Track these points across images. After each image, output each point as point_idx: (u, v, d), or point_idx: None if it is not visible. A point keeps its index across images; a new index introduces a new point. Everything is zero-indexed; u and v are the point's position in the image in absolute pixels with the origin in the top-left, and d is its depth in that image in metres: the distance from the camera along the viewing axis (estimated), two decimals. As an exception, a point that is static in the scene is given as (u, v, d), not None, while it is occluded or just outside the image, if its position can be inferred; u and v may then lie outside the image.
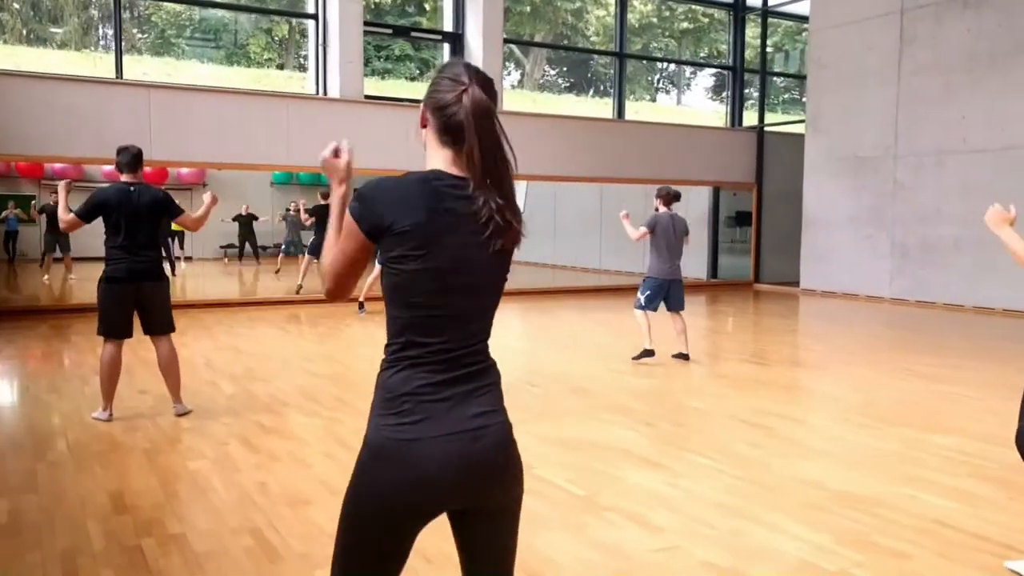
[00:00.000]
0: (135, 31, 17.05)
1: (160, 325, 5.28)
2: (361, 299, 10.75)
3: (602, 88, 21.66)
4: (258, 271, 18.13)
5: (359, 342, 8.82)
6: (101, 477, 4.17)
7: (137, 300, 5.13)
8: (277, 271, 16.06)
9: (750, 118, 16.18)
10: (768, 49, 16.21)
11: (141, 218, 5.09)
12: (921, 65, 12.16)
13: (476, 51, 12.85)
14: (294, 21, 16.32)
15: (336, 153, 1.82)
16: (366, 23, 12.08)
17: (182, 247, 18.10)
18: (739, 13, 15.87)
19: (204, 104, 10.94)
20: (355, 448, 4.63)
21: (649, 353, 7.20)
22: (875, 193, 12.82)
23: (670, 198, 7.36)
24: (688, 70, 21.91)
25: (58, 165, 16.57)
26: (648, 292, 7.24)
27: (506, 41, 13.17)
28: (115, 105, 10.41)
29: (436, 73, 1.73)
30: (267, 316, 10.31)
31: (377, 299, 11.18)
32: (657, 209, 7.35)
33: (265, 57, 19.48)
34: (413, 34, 13.55)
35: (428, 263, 1.58)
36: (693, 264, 15.86)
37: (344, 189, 1.79)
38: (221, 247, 20.61)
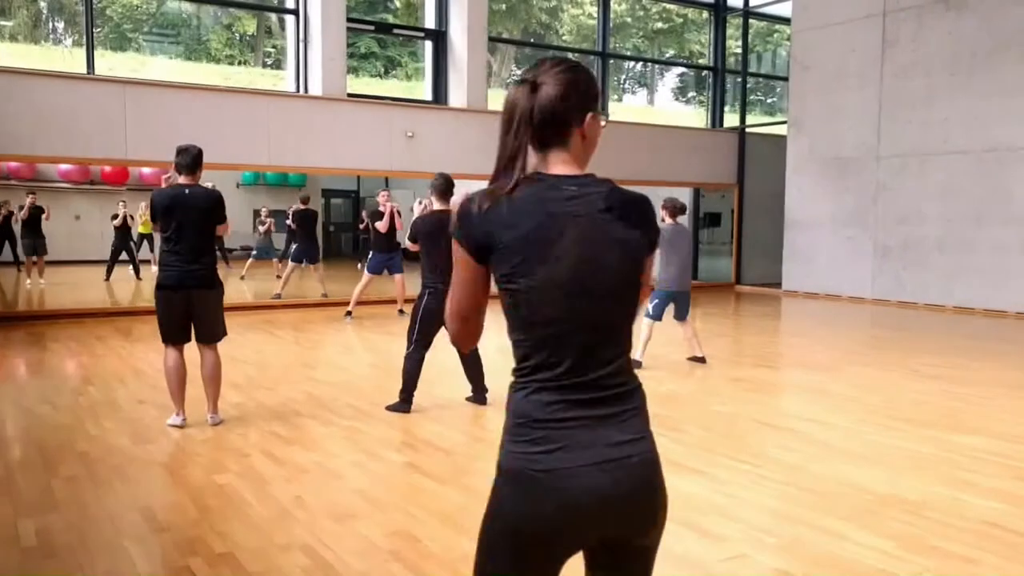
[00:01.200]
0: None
1: (208, 335, 5.08)
2: (350, 307, 10.52)
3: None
4: (227, 275, 17.71)
5: (356, 348, 8.61)
6: (124, 493, 3.95)
7: (188, 307, 4.95)
8: (242, 276, 15.64)
9: (728, 119, 16.29)
10: (738, 50, 16.30)
11: (195, 222, 4.92)
12: (903, 67, 12.32)
13: (460, 49, 12.70)
14: (262, 17, 15.96)
15: None
16: (348, 19, 11.83)
17: (152, 249, 17.55)
18: (720, 14, 15.95)
19: (181, 101, 10.60)
20: (383, 457, 4.51)
21: (637, 364, 7.11)
22: (857, 194, 12.97)
23: (676, 211, 7.33)
24: (657, 70, 22.03)
25: (13, 164, 16.00)
26: (656, 302, 7.23)
27: (491, 40, 13.02)
28: (86, 102, 10.01)
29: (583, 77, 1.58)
30: (246, 321, 10.03)
31: (365, 304, 10.96)
32: (663, 220, 7.32)
33: (226, 54, 19.08)
34: (396, 31, 13.33)
35: (541, 278, 1.44)
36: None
37: None
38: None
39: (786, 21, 15.36)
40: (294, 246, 12.25)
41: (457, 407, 5.70)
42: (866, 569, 3.16)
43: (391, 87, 18.51)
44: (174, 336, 5.00)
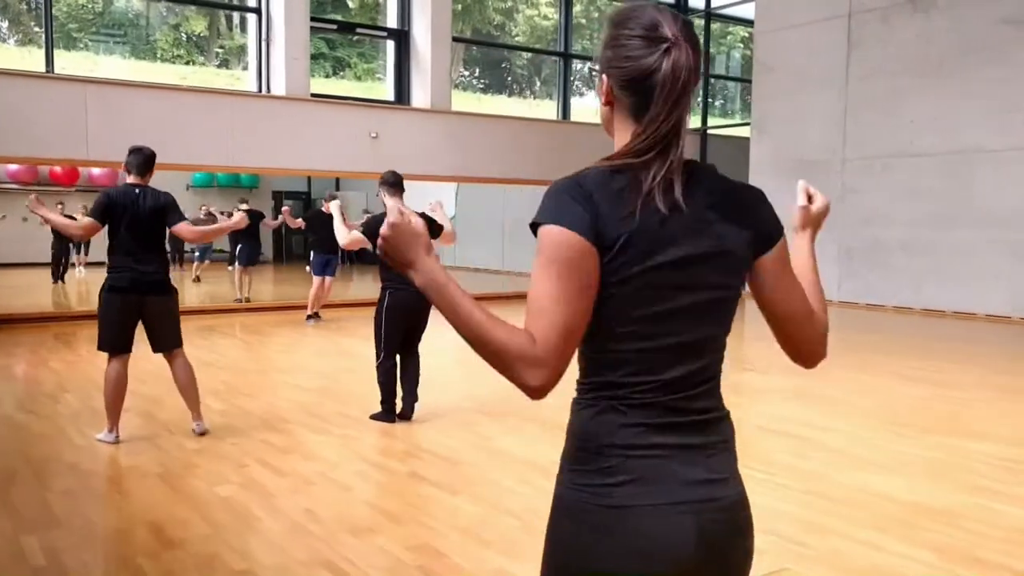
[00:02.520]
0: (32, 24, 15.92)
1: (167, 341, 4.88)
2: (310, 311, 10.32)
3: (517, 89, 21.71)
4: (181, 277, 17.26)
5: (328, 352, 8.46)
6: (126, 507, 3.81)
7: (141, 314, 4.73)
8: (196, 279, 15.29)
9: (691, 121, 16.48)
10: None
11: (146, 224, 4.71)
12: (868, 69, 12.40)
13: (423, 50, 12.60)
14: (214, 16, 15.57)
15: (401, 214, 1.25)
16: (312, 18, 11.63)
17: (86, 252, 16.93)
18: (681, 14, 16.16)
19: (143, 101, 10.28)
20: (386, 467, 4.45)
21: None
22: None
23: None
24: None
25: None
26: None
27: (455, 40, 12.96)
28: (46, 101, 9.62)
29: (614, 27, 1.26)
30: (205, 325, 9.78)
31: (329, 307, 10.79)
32: None
33: (174, 54, 18.57)
34: (359, 31, 13.15)
35: (637, 284, 1.21)
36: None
37: (432, 262, 1.24)
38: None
39: (748, 23, 15.61)
40: (239, 248, 11.86)
41: (446, 413, 5.64)
42: (913, 582, 3.15)
43: (345, 87, 18.28)
44: (118, 343, 4.70)
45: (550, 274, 1.18)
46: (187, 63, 18.40)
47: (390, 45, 12.88)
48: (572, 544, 1.25)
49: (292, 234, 23.11)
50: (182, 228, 4.94)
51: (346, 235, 5.41)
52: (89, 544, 3.37)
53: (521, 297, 13.78)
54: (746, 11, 15.66)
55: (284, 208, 10.89)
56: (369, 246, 5.26)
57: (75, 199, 16.03)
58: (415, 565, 3.21)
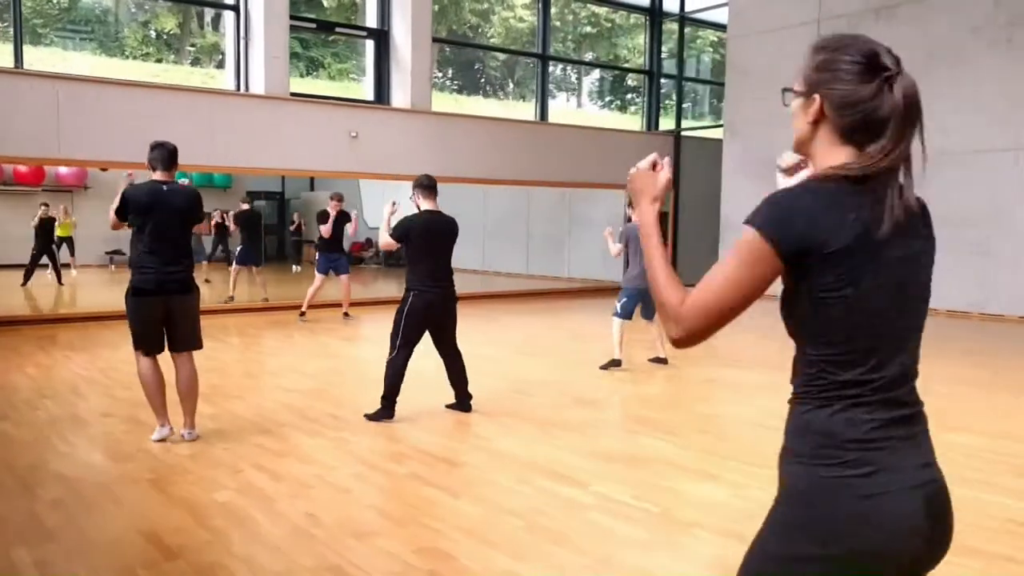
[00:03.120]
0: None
1: (185, 342, 4.78)
2: (303, 309, 10.26)
3: (491, 91, 21.69)
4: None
5: (316, 354, 8.34)
6: (120, 516, 3.69)
7: (166, 313, 4.65)
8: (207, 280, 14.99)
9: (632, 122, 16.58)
10: (664, 54, 16.64)
11: (174, 222, 4.64)
12: (836, 75, 12.79)
13: (404, 50, 12.51)
14: (187, 14, 15.33)
15: (654, 166, 1.57)
16: (291, 17, 11.47)
17: (72, 253, 16.57)
18: (656, 18, 16.24)
19: (118, 99, 10.06)
20: (384, 469, 4.38)
21: (616, 363, 7.19)
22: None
23: None
24: (584, 71, 22.26)
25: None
26: (624, 300, 7.21)
27: (435, 40, 12.88)
28: (17, 98, 9.38)
29: (829, 52, 1.41)
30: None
31: (318, 307, 10.65)
32: (629, 219, 7.38)
33: (144, 52, 18.27)
34: (338, 30, 13.01)
35: (869, 286, 1.34)
36: (612, 268, 16.13)
37: (657, 209, 1.54)
38: (107, 253, 19.10)
39: (721, 27, 15.75)
40: (238, 248, 11.75)
41: (440, 414, 5.58)
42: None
43: (318, 87, 18.12)
44: (151, 344, 4.69)
45: (734, 262, 1.35)
46: (157, 60, 18.11)
47: (369, 45, 12.76)
48: (829, 531, 1.35)
49: (265, 234, 22.93)
50: (201, 227, 4.91)
51: (384, 238, 5.46)
52: (84, 556, 3.25)
53: (502, 297, 13.80)
54: (719, 16, 15.78)
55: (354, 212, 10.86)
56: (396, 247, 5.43)
57: (45, 199, 15.61)
58: (424, 569, 3.15)
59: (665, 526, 3.68)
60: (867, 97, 1.37)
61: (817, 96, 1.40)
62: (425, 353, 5.63)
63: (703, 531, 3.61)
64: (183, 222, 4.72)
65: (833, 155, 1.40)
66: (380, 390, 5.37)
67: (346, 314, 10.52)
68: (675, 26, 16.55)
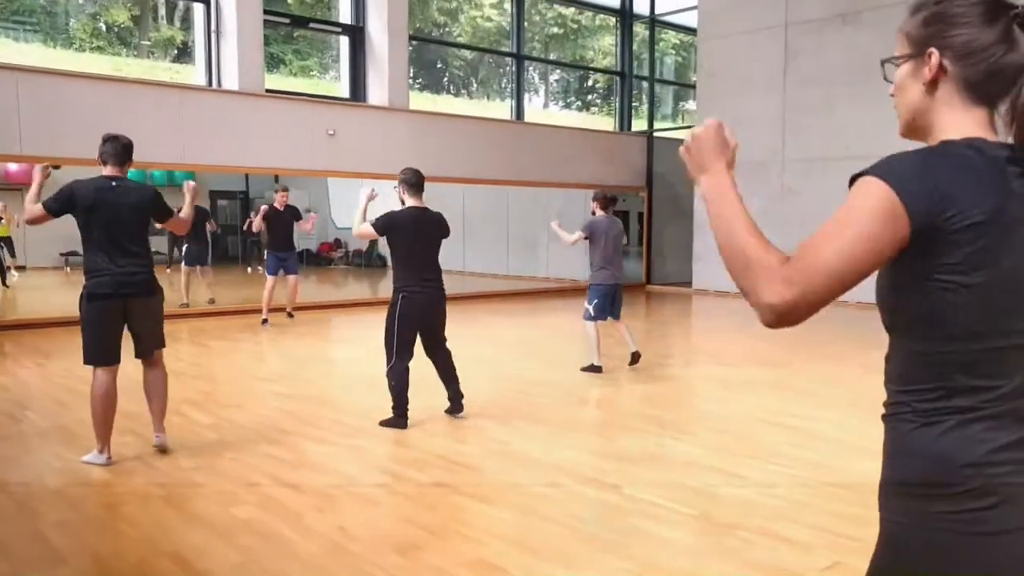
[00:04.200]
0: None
1: (150, 347, 4.50)
2: (264, 316, 9.76)
3: (453, 90, 21.52)
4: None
5: (302, 357, 8.10)
6: (136, 536, 3.45)
7: (126, 318, 4.34)
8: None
9: (601, 123, 16.60)
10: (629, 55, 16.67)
11: (125, 220, 4.31)
12: (805, 76, 12.96)
13: (380, 46, 12.28)
14: (145, 6, 14.81)
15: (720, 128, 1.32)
16: (264, 11, 11.15)
17: (12, 254, 15.88)
18: (627, 20, 16.25)
19: (83, 92, 9.65)
20: (408, 478, 4.23)
21: (596, 369, 6.90)
22: (765, 196, 13.52)
23: (607, 201, 7.01)
24: (548, 71, 22.21)
25: None
26: (596, 301, 6.90)
27: (411, 38, 12.66)
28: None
29: (930, 5, 1.23)
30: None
31: (279, 311, 10.30)
32: (594, 213, 7.00)
33: (94, 45, 17.64)
34: (312, 25, 12.69)
35: (1001, 272, 1.11)
36: (586, 268, 16.10)
37: (732, 173, 1.30)
38: (62, 254, 18.37)
39: (690, 30, 15.84)
40: (184, 248, 11.17)
41: (448, 418, 5.40)
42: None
43: (279, 83, 17.74)
44: (108, 355, 4.30)
45: (851, 219, 1.12)
46: (115, 54, 17.49)
47: (344, 41, 12.48)
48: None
49: (228, 234, 22.32)
50: (176, 224, 4.63)
51: (359, 224, 5.21)
52: (109, 578, 3.02)
53: (482, 297, 13.64)
54: (688, 18, 15.87)
55: (313, 214, 10.23)
56: (377, 238, 5.16)
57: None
58: (478, 584, 2.99)
59: (706, 529, 3.59)
60: (994, 40, 1.16)
61: (933, 50, 1.20)
62: (422, 355, 5.42)
63: (745, 532, 3.52)
64: (136, 221, 4.36)
65: (961, 120, 1.20)
66: (380, 393, 5.19)
67: (290, 315, 10.04)
68: (639, 28, 16.60)
